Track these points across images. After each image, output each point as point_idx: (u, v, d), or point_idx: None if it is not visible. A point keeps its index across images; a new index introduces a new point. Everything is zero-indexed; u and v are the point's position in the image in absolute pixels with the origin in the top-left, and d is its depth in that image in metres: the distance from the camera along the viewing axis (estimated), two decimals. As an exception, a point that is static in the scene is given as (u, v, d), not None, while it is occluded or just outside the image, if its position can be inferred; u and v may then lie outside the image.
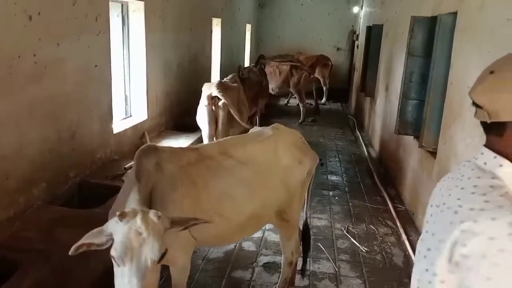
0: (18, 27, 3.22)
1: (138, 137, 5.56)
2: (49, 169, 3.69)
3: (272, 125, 3.07)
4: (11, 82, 3.18)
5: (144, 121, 5.71)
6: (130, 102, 5.65)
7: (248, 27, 12.99)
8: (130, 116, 5.64)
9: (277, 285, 3.23)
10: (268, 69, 9.20)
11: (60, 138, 3.87)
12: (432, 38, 4.49)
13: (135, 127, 5.47)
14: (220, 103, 4.91)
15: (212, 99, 4.91)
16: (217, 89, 4.87)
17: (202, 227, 2.42)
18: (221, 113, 4.96)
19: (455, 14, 3.95)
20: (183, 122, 6.65)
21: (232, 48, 10.81)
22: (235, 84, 5.53)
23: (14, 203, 3.31)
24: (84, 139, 4.25)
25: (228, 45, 10.20)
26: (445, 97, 4.02)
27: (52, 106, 3.71)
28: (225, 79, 5.73)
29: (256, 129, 3.25)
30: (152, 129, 5.94)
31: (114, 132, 4.91)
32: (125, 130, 5.21)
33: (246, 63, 12.41)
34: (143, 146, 2.39)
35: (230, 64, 10.20)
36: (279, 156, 2.79)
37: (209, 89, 4.97)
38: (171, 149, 2.58)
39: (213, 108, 4.94)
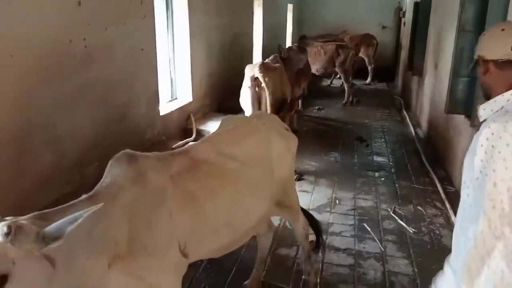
0: (69, 13, 3.35)
1: (184, 119, 5.68)
2: (101, 149, 3.85)
3: (255, 113, 2.86)
4: (64, 66, 3.33)
5: (189, 104, 5.82)
6: (175, 84, 5.76)
7: (290, 7, 12.82)
8: (176, 98, 5.76)
9: (303, 257, 3.15)
10: (312, 50, 9.05)
11: (110, 120, 4.02)
12: (484, 12, 4.26)
13: (180, 109, 5.59)
14: (263, 84, 4.91)
15: (255, 80, 4.92)
16: (259, 70, 4.87)
17: (205, 241, 2.18)
18: (264, 94, 4.96)
19: (510, -16, 3.71)
20: (227, 104, 6.71)
21: (273, 29, 10.73)
22: (278, 65, 5.50)
23: (69, 181, 3.49)
24: (133, 120, 4.40)
25: (269, 26, 10.13)
26: (500, 73, 3.82)
27: (102, 89, 3.85)
28: (267, 60, 5.71)
29: (232, 118, 2.90)
30: (197, 111, 6.04)
31: (161, 114, 5.04)
32: (171, 112, 5.33)
33: (288, 44, 12.28)
34: (118, 154, 2.04)
35: (271, 45, 10.12)
36: (273, 147, 2.59)
37: (251, 71, 4.98)
38: (157, 156, 2.20)
39: (256, 89, 4.94)
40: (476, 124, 4.26)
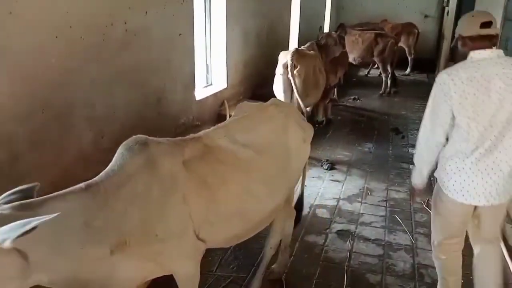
0: (111, -3, 3.45)
1: (218, 105, 5.74)
2: (136, 131, 3.92)
3: (271, 101, 2.78)
4: (105, 48, 3.43)
5: (223, 90, 5.87)
6: (211, 70, 5.82)
7: (329, -6, 12.60)
8: (211, 84, 5.83)
9: (281, 248, 3.06)
10: (349, 38, 8.88)
11: (147, 103, 4.12)
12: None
13: (215, 95, 5.65)
14: (295, 71, 4.87)
15: (287, 68, 4.89)
16: (292, 57, 4.84)
17: (218, 228, 2.16)
18: (296, 82, 4.93)
19: None
20: (261, 91, 6.72)
21: (311, 17, 10.58)
22: (312, 52, 5.45)
23: (106, 160, 3.61)
24: (168, 105, 4.49)
25: (307, 14, 10.00)
26: (547, 64, 3.64)
27: (139, 72, 3.95)
28: (302, 47, 5.67)
29: (247, 104, 2.81)
30: (231, 98, 6.09)
31: (196, 99, 5.12)
32: (206, 98, 5.40)
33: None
34: (128, 139, 2.01)
35: (308, 34, 10.02)
36: (290, 137, 2.53)
37: (285, 57, 4.96)
38: (169, 141, 2.16)
39: (288, 76, 4.92)
40: None
